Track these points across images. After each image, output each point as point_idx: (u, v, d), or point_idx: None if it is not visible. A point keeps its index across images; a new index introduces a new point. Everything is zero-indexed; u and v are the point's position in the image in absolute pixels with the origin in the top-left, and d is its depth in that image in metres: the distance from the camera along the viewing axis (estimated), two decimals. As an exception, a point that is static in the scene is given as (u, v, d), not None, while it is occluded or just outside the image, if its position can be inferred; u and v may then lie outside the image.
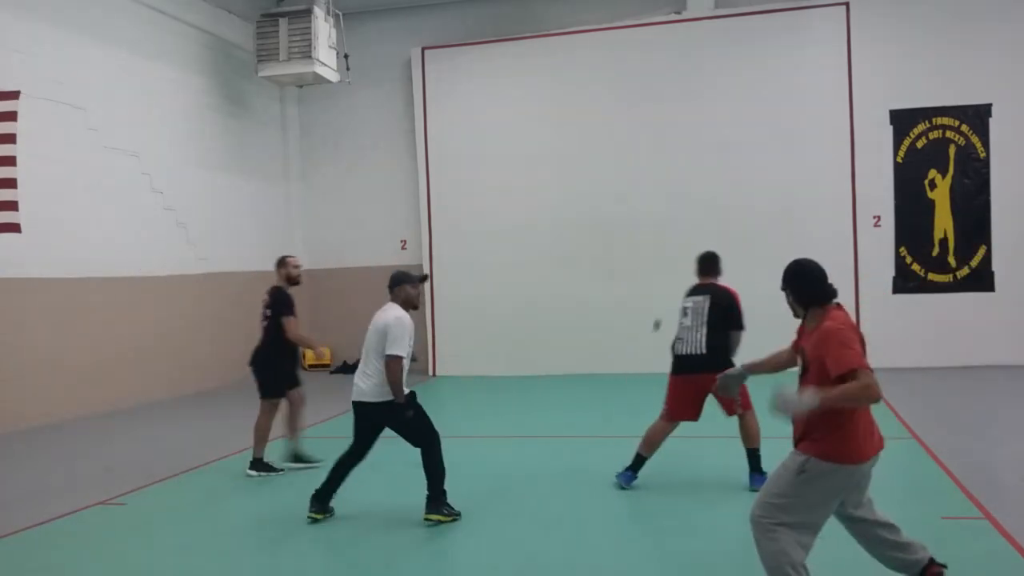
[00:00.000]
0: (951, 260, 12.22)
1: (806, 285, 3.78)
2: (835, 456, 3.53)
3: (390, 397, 5.50)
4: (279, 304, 7.10)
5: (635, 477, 6.13)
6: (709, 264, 6.47)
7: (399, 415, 5.54)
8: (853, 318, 3.99)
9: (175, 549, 5.35)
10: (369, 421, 5.66)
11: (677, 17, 13.06)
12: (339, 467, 5.77)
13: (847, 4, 12.36)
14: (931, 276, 12.27)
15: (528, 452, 7.72)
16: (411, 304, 5.74)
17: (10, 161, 8.61)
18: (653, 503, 5.93)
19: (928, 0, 12.23)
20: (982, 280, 12.10)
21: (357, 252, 14.59)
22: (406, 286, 5.72)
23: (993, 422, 8.89)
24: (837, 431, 3.54)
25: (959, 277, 12.20)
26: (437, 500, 5.53)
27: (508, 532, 5.41)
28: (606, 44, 13.22)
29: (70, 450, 8.40)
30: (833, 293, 3.76)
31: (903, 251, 12.34)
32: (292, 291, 7.29)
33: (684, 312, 6.18)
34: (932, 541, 4.97)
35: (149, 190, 11.48)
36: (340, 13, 13.06)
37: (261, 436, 7.11)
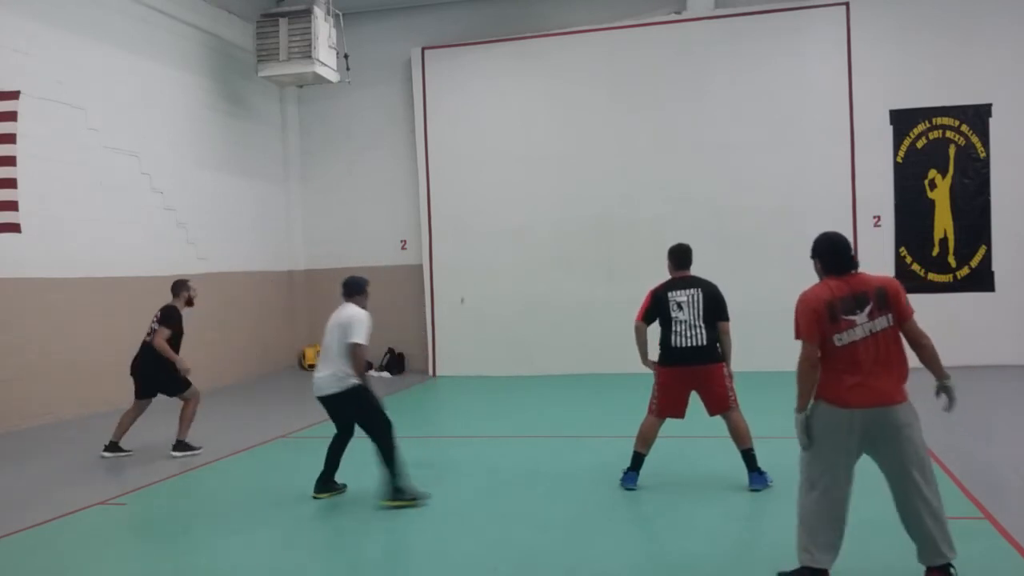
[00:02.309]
0: (951, 260, 12.22)
1: (818, 256, 4.30)
2: (818, 395, 4.10)
3: (344, 387, 5.94)
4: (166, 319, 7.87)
5: (638, 476, 6.13)
6: (687, 256, 6.45)
7: (355, 404, 5.97)
8: None
9: (175, 549, 5.35)
10: (333, 410, 6.18)
11: (677, 17, 13.07)
12: (331, 451, 6.29)
13: (847, 4, 12.36)
14: (931, 276, 12.27)
15: (528, 452, 7.72)
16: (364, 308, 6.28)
17: (10, 161, 8.60)
18: (653, 503, 5.93)
19: (928, 0, 12.23)
20: (982, 280, 12.10)
21: (357, 252, 14.58)
22: (367, 292, 6.35)
23: (993, 422, 8.89)
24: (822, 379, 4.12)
25: (959, 277, 12.20)
26: (397, 487, 5.85)
27: (508, 532, 5.41)
28: (606, 44, 13.22)
29: (70, 450, 8.40)
30: (829, 266, 4.23)
31: (903, 251, 12.34)
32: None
33: (678, 306, 6.12)
34: (932, 541, 4.98)
35: (149, 190, 11.49)
36: (340, 13, 13.06)
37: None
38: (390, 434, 5.96)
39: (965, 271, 12.18)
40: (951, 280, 12.22)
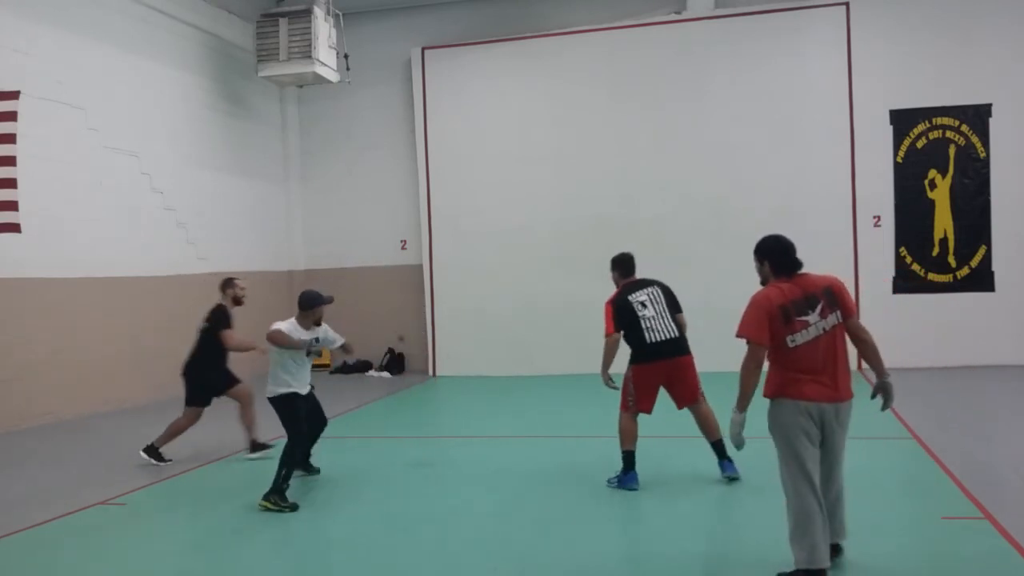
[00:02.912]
0: (951, 260, 12.21)
1: (767, 257, 4.42)
2: (767, 393, 4.28)
3: (276, 393, 6.40)
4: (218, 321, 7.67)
5: (636, 474, 6.14)
6: (632, 263, 6.66)
7: (279, 407, 6.44)
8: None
9: (175, 549, 5.35)
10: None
11: (677, 17, 13.06)
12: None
13: (847, 4, 12.36)
14: (931, 276, 12.27)
15: (528, 452, 7.72)
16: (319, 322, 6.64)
17: (10, 161, 8.61)
18: (652, 503, 5.93)
19: (928, 0, 12.23)
20: (982, 280, 12.10)
21: (357, 252, 14.60)
22: (323, 307, 6.57)
23: (993, 422, 8.90)
24: (769, 374, 4.31)
25: (959, 277, 12.19)
26: (278, 489, 6.04)
27: (508, 532, 5.41)
28: (606, 44, 13.21)
29: (70, 450, 8.40)
30: (776, 267, 4.37)
31: (903, 251, 12.34)
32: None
33: (643, 305, 6.26)
34: (932, 541, 5.00)
35: (149, 190, 11.49)
36: (340, 13, 13.06)
37: (173, 433, 7.70)
38: (299, 443, 6.39)
39: (965, 271, 12.18)
40: (951, 280, 12.22)
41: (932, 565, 4.63)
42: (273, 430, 7.46)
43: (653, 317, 6.21)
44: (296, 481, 6.72)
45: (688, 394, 6.24)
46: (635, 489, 6.07)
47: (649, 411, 6.21)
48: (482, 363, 13.42)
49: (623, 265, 6.60)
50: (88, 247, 10.36)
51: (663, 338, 6.15)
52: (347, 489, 6.63)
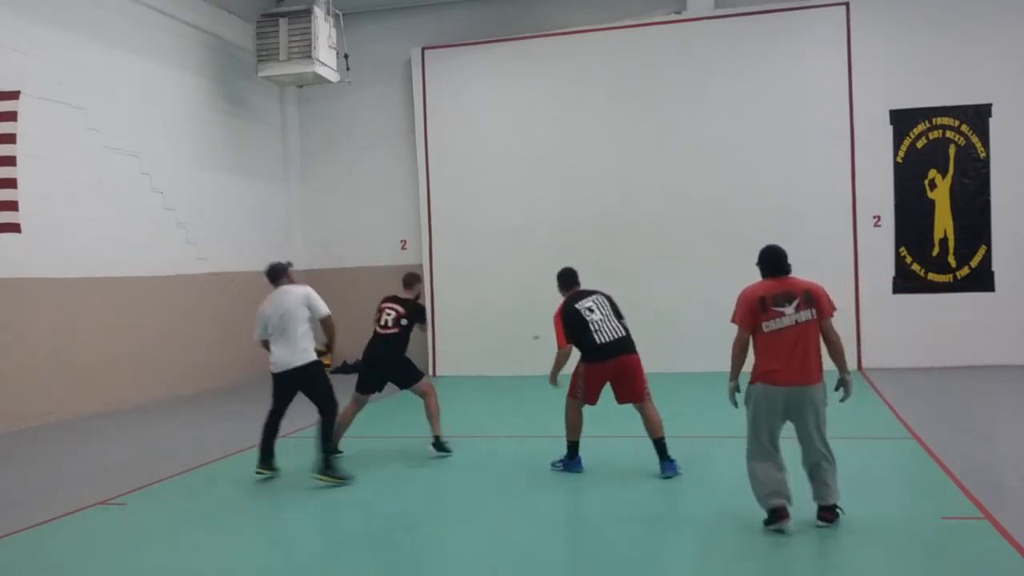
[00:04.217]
0: (951, 260, 12.21)
1: (760, 262, 5.33)
2: (752, 378, 5.07)
3: (308, 360, 6.67)
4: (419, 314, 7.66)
5: (580, 459, 6.67)
6: (575, 276, 7.06)
7: (317, 375, 6.72)
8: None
9: (175, 549, 5.35)
10: (290, 385, 6.76)
11: (677, 17, 13.06)
12: (268, 428, 6.90)
13: (847, 4, 12.36)
14: (931, 276, 12.27)
15: (528, 452, 7.71)
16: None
17: (10, 161, 8.60)
18: (652, 503, 5.93)
19: (928, 0, 12.23)
20: (982, 280, 12.09)
21: (357, 252, 14.60)
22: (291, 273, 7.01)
23: (993, 422, 8.89)
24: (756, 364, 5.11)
25: (959, 277, 12.19)
26: (327, 462, 6.48)
27: (508, 532, 5.41)
28: (606, 44, 13.21)
29: (70, 450, 8.40)
30: (766, 271, 5.25)
31: (903, 251, 12.34)
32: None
33: (590, 310, 6.64)
34: (932, 541, 5.00)
35: (149, 190, 11.49)
36: (340, 13, 13.06)
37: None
38: (335, 414, 6.78)
39: (965, 271, 12.18)
40: (951, 280, 12.21)
41: (932, 565, 4.63)
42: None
43: (600, 320, 6.59)
44: (297, 482, 6.72)
45: (632, 393, 6.55)
46: (580, 472, 6.57)
47: (594, 403, 6.67)
48: (482, 363, 13.41)
49: (566, 278, 7.03)
50: (88, 247, 10.36)
51: (611, 339, 6.51)
52: (347, 489, 6.63)
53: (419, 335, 8.04)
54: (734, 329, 5.17)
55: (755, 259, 5.38)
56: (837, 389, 5.11)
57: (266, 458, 6.90)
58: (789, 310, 5.01)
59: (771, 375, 4.97)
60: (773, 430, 5.05)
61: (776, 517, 4.97)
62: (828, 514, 5.04)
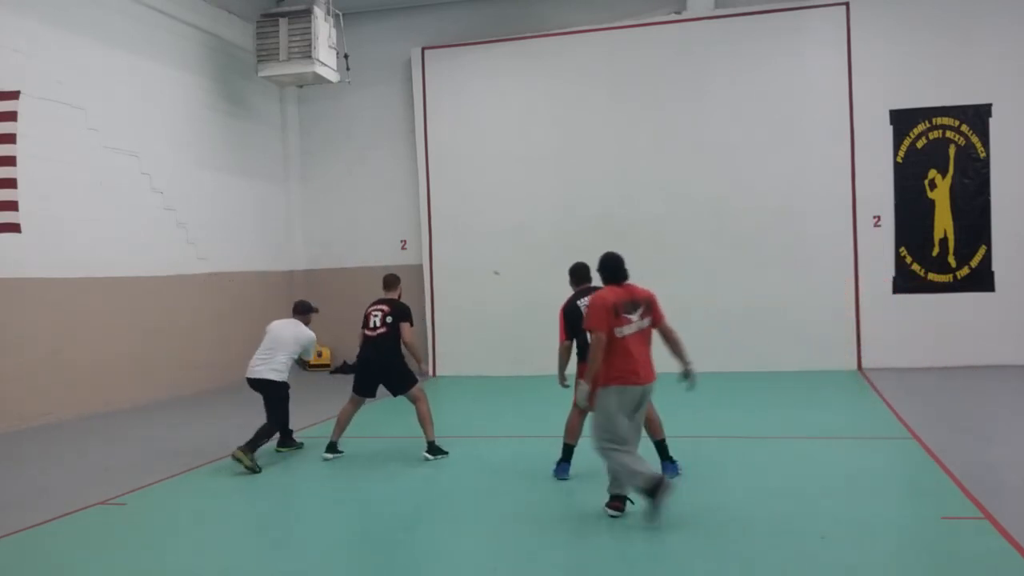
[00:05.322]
0: (951, 260, 12.21)
1: (601, 270, 5.73)
2: (604, 381, 5.45)
3: (276, 378, 7.59)
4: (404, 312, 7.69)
5: (567, 467, 6.65)
6: (587, 272, 7.03)
7: (275, 393, 7.62)
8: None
9: (175, 549, 5.35)
10: (256, 389, 7.68)
11: (677, 17, 13.06)
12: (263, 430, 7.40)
13: (847, 4, 12.36)
14: (931, 276, 12.27)
15: (528, 452, 7.71)
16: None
17: (10, 161, 8.61)
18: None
19: (928, 0, 12.23)
20: (982, 280, 12.09)
21: (357, 252, 14.60)
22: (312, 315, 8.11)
23: (993, 422, 8.89)
24: (604, 367, 5.47)
25: (959, 277, 12.19)
26: (251, 447, 7.12)
27: (508, 532, 5.41)
28: (606, 44, 13.21)
29: (70, 450, 8.40)
30: (604, 279, 5.69)
31: (903, 251, 12.34)
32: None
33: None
34: (932, 541, 5.01)
35: (149, 190, 11.49)
36: (340, 13, 13.06)
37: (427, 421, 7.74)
38: (279, 425, 7.66)
39: (965, 271, 12.18)
40: (951, 280, 12.21)
41: (932, 565, 4.63)
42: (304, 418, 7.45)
43: None
44: (297, 481, 6.72)
45: None
46: (564, 479, 6.54)
47: (593, 407, 6.54)
48: (482, 363, 13.42)
49: (575, 273, 7.06)
50: (88, 247, 10.36)
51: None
52: (347, 489, 6.63)
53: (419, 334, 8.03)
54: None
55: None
56: (685, 379, 5.61)
57: (284, 439, 7.93)
58: (635, 317, 5.49)
59: (627, 376, 5.39)
60: (628, 426, 5.48)
61: (660, 483, 5.25)
62: (620, 504, 5.54)
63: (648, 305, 5.59)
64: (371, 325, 7.54)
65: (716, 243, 12.56)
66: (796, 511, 5.57)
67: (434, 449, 7.49)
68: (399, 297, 7.79)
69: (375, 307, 7.63)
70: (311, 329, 7.94)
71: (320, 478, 7.05)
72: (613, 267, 5.67)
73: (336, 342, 14.07)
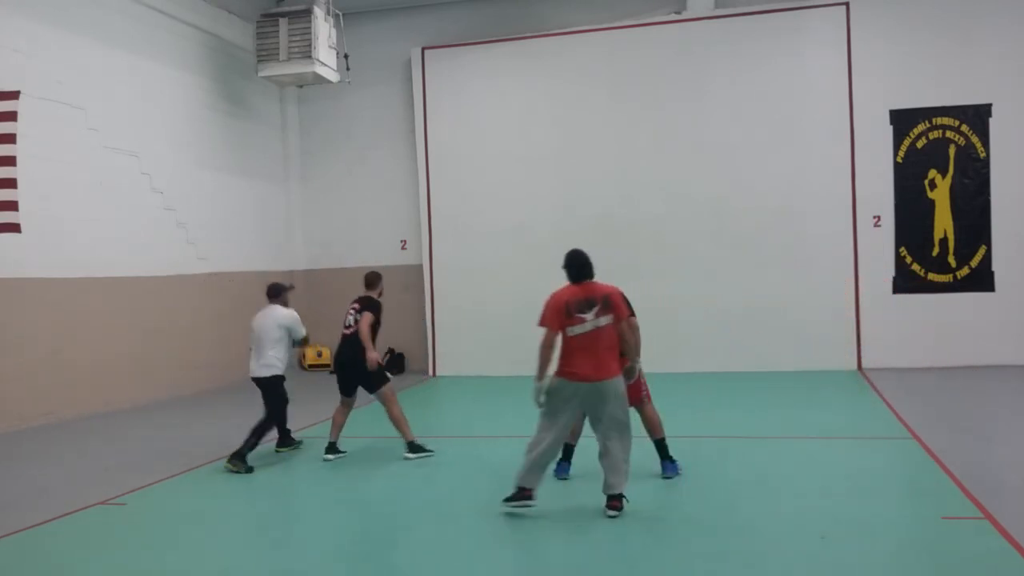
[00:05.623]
0: (951, 260, 12.21)
1: (565, 268, 5.78)
2: (556, 373, 5.59)
3: (268, 374, 7.57)
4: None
5: (568, 466, 6.66)
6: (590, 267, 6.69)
7: (270, 389, 7.59)
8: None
9: (175, 549, 5.35)
10: (257, 388, 7.68)
11: (677, 17, 13.06)
12: (258, 430, 7.35)
13: (847, 4, 12.36)
14: (931, 276, 12.27)
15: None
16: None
17: (10, 161, 8.61)
18: (652, 502, 5.93)
19: (928, 0, 12.23)
20: (982, 280, 12.09)
21: (357, 252, 14.59)
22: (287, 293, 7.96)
23: (993, 422, 8.89)
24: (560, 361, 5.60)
25: (959, 277, 12.19)
26: (242, 453, 7.09)
27: (508, 532, 5.41)
28: (606, 44, 13.21)
29: (70, 450, 8.40)
30: (571, 275, 5.73)
31: (903, 251, 12.34)
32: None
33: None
34: (932, 541, 5.01)
35: (149, 190, 11.49)
36: (340, 13, 13.06)
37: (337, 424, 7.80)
38: (274, 422, 7.56)
39: (965, 271, 12.18)
40: (951, 280, 12.21)
41: (932, 565, 4.63)
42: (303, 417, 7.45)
43: None
44: (297, 481, 6.72)
45: (631, 395, 6.29)
46: (563, 479, 6.58)
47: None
48: (482, 363, 13.41)
49: (582, 270, 6.87)
50: (88, 247, 10.36)
51: None
52: (347, 489, 6.63)
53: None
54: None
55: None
56: (626, 374, 5.70)
57: (283, 438, 7.91)
58: (590, 316, 5.54)
59: (571, 373, 5.52)
60: (566, 421, 5.62)
61: (521, 494, 5.59)
62: (617, 503, 5.54)
63: (606, 303, 5.59)
64: (345, 324, 7.59)
65: (716, 243, 12.56)
66: (796, 511, 5.57)
67: (415, 448, 7.48)
68: (379, 295, 7.75)
69: (351, 305, 7.66)
70: (291, 308, 7.89)
71: (320, 478, 7.05)
72: (576, 265, 5.72)
73: (336, 342, 14.04)
